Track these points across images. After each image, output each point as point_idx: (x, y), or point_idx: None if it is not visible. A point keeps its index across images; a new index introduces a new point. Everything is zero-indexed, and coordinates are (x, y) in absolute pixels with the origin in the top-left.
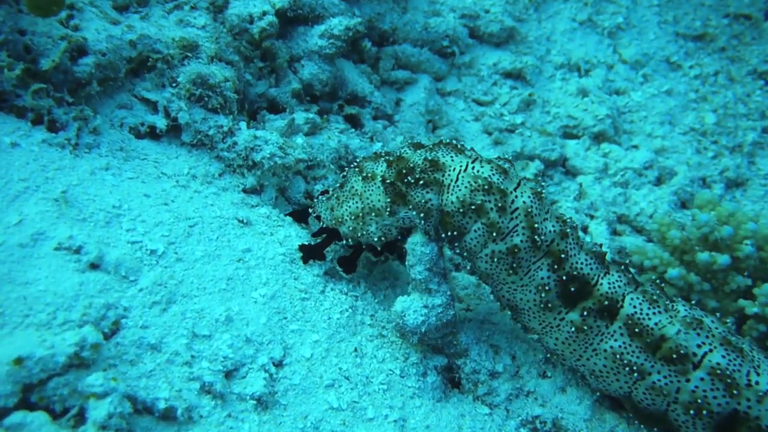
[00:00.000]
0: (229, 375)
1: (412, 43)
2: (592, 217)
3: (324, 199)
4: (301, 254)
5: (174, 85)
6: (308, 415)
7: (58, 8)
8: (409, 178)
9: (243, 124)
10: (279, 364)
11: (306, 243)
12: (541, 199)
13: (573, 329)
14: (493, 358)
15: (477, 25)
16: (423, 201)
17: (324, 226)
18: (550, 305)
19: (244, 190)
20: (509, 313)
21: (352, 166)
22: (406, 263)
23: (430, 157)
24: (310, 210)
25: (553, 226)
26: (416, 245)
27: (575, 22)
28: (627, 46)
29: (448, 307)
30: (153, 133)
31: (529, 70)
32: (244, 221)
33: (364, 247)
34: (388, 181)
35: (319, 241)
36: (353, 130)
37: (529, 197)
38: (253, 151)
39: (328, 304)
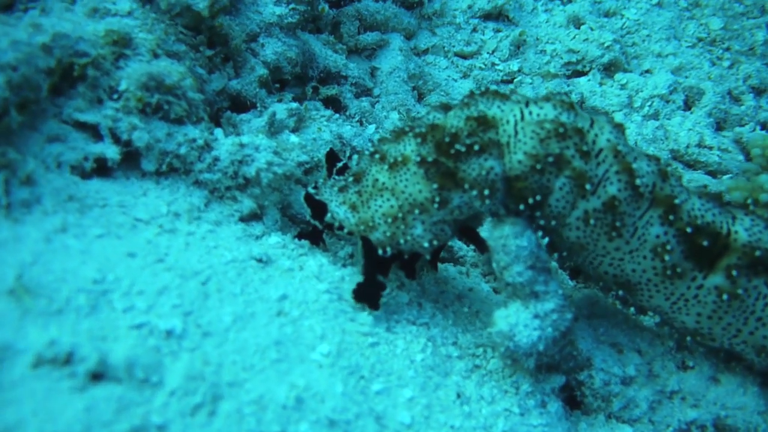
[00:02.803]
0: None
1: None
2: None
3: (331, 186)
4: (356, 299)
5: (116, 96)
6: None
7: None
8: (457, 146)
9: (219, 132)
10: None
11: (358, 283)
12: (623, 133)
13: (724, 297)
14: (618, 360)
15: None
16: (484, 173)
17: (342, 228)
18: (678, 270)
19: (242, 218)
20: (613, 297)
21: (364, 154)
22: (495, 265)
23: (474, 115)
24: (311, 191)
25: (648, 165)
26: (507, 239)
27: None
28: None
29: (564, 309)
30: (103, 167)
31: (511, 7)
32: (263, 259)
33: (406, 257)
34: (429, 160)
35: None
36: (337, 114)
37: (611, 132)
38: (243, 165)
39: (402, 343)
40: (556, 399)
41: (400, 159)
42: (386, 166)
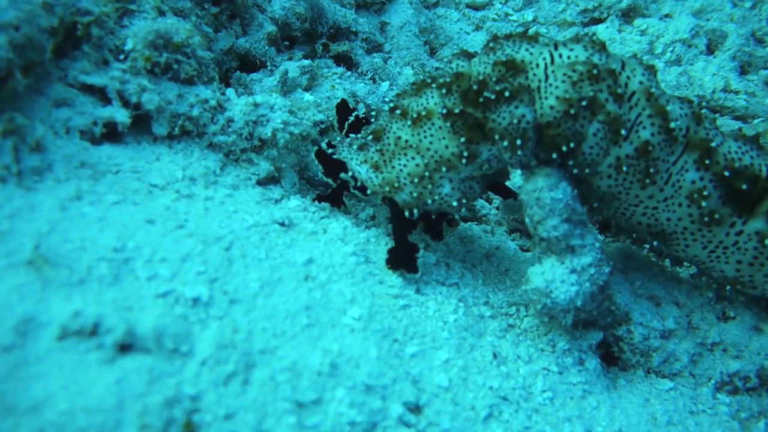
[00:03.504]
0: None
1: None
2: None
3: (349, 144)
4: (393, 267)
5: (122, 57)
6: None
7: None
8: (486, 94)
9: (231, 92)
10: (416, 409)
11: (389, 250)
12: (655, 75)
13: (767, 242)
14: (657, 313)
15: None
16: (515, 121)
17: (364, 189)
18: (716, 216)
19: (259, 182)
20: (648, 249)
21: (383, 110)
22: (528, 219)
23: (503, 59)
24: (324, 147)
25: (681, 108)
26: (541, 192)
27: None
28: None
29: (602, 263)
30: (112, 132)
31: None
32: (285, 223)
33: (434, 217)
34: (456, 111)
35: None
36: (349, 72)
37: (643, 74)
38: (258, 125)
39: (433, 304)
40: (593, 356)
41: (423, 113)
42: (409, 122)
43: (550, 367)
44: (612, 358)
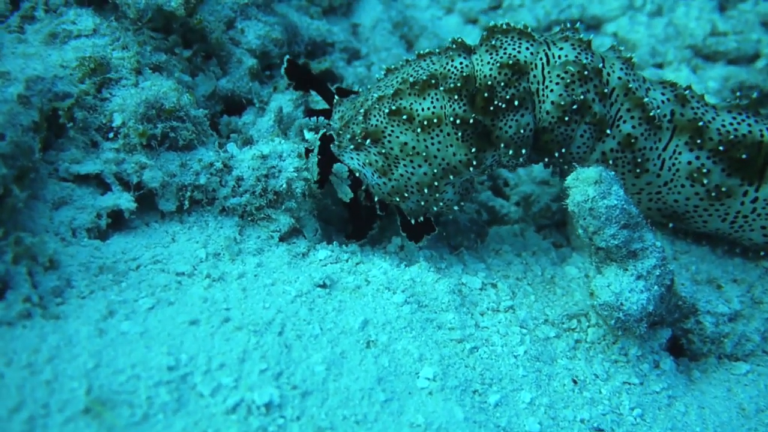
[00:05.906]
0: None
1: None
2: (661, 66)
3: (339, 146)
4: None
5: (112, 135)
6: None
7: None
8: (497, 103)
9: (232, 147)
10: None
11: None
12: (633, 67)
13: None
14: (720, 297)
15: None
16: (522, 130)
17: (367, 197)
18: (724, 189)
19: (281, 238)
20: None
21: (375, 109)
22: (581, 231)
23: (509, 62)
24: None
25: (663, 94)
26: (594, 201)
27: None
28: None
29: (665, 262)
30: (119, 219)
31: None
32: (327, 283)
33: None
34: (470, 120)
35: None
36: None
37: (621, 69)
38: (270, 178)
39: (497, 338)
40: (666, 354)
41: (434, 120)
42: (417, 128)
43: (630, 379)
44: (680, 350)
